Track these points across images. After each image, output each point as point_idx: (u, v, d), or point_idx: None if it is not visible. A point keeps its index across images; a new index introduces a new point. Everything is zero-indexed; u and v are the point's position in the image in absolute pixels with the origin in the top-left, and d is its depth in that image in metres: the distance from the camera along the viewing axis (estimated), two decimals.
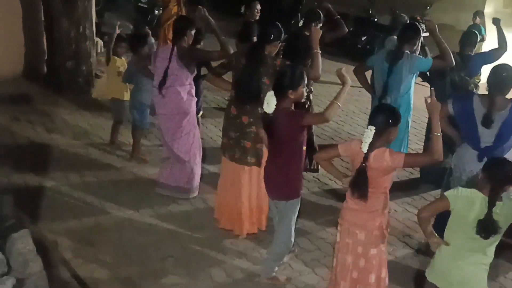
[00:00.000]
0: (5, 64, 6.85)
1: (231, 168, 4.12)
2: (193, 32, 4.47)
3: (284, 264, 3.85)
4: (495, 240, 2.83)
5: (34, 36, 7.20)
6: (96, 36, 7.61)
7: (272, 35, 3.90)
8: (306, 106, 4.80)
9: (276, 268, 3.69)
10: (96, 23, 7.61)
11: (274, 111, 3.22)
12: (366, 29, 11.44)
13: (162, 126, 4.61)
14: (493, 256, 2.89)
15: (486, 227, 2.71)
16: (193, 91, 4.56)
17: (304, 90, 3.37)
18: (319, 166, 4.89)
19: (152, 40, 6.09)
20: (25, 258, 3.01)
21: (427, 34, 4.86)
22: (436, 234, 2.94)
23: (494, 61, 4.73)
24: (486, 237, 2.74)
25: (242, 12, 6.67)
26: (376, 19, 11.82)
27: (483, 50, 7.99)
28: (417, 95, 4.79)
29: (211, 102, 7.20)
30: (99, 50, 8.16)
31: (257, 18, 6.53)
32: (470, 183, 3.35)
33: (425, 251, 3.99)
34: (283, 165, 3.38)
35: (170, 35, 6.60)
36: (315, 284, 3.78)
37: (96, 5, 7.70)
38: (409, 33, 4.65)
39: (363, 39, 11.34)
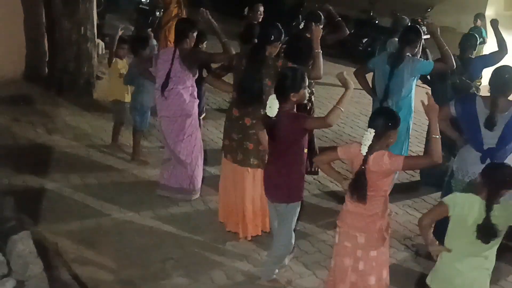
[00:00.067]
0: (6, 65, 6.85)
1: (232, 170, 4.11)
2: (195, 34, 4.47)
3: (284, 266, 3.85)
4: (495, 244, 2.83)
5: (35, 37, 7.20)
6: (97, 38, 7.61)
7: (273, 36, 3.90)
8: (308, 108, 4.80)
9: (277, 271, 3.69)
10: (97, 24, 7.61)
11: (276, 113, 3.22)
12: (367, 31, 11.43)
13: (164, 128, 4.60)
14: (494, 260, 2.89)
15: (485, 231, 2.72)
16: (196, 93, 4.56)
17: (306, 92, 3.37)
18: (318, 168, 4.89)
19: (154, 42, 6.09)
20: (25, 260, 3.01)
21: (428, 36, 4.87)
22: (437, 242, 2.94)
23: (495, 64, 4.71)
24: (486, 241, 2.74)
25: (245, 14, 6.67)
26: (377, 21, 11.82)
27: (484, 53, 7.99)
28: (418, 98, 4.78)
29: (212, 103, 7.20)
30: (100, 52, 8.17)
31: (260, 20, 6.53)
32: (468, 187, 3.35)
33: (425, 255, 3.98)
34: (284, 167, 3.38)
35: (171, 37, 6.63)
36: (315, 287, 3.77)
37: (98, 7, 7.70)
38: (410, 36, 4.65)
39: (364, 41, 11.33)
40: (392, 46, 5.81)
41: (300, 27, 5.75)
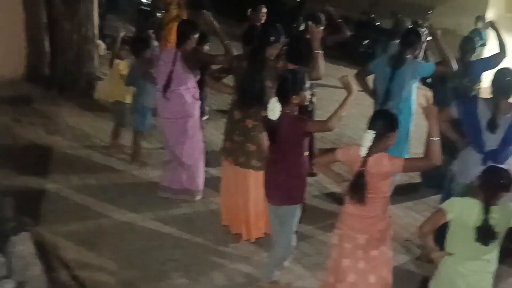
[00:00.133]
0: (7, 66, 6.86)
1: (233, 173, 4.10)
2: (196, 36, 4.46)
3: (285, 268, 3.84)
4: (496, 246, 2.83)
5: (36, 37, 7.20)
6: (98, 39, 7.61)
7: (272, 38, 3.90)
8: (309, 109, 4.80)
9: (277, 273, 3.68)
10: (98, 25, 7.61)
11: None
12: (367, 33, 11.45)
13: (165, 130, 4.59)
14: (496, 263, 2.88)
15: (484, 233, 2.72)
16: (197, 94, 4.55)
17: (306, 94, 3.37)
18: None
19: (155, 43, 6.09)
20: (25, 261, 3.02)
21: (429, 38, 4.87)
22: (438, 248, 2.94)
23: (495, 66, 4.72)
24: (485, 243, 2.74)
25: (248, 15, 6.66)
26: (377, 23, 11.83)
27: (484, 55, 7.99)
28: (418, 100, 4.78)
29: (213, 104, 7.20)
30: (101, 53, 8.17)
31: (263, 21, 6.52)
32: (467, 190, 3.35)
33: (427, 260, 3.97)
34: (285, 170, 3.37)
35: (172, 38, 6.62)
36: None
37: (98, 8, 7.70)
38: (411, 38, 4.65)
39: (364, 43, 11.35)
40: (393, 49, 5.81)
41: (301, 29, 5.74)
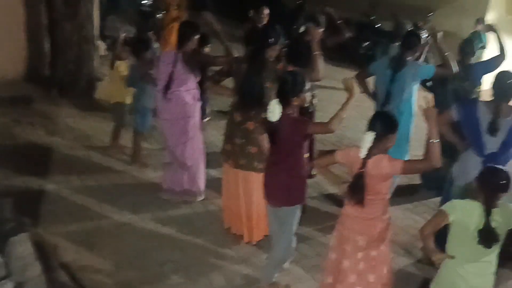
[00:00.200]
0: (7, 66, 6.86)
1: (234, 175, 4.10)
2: (197, 37, 4.46)
3: (284, 270, 3.83)
4: (497, 248, 2.83)
5: (36, 38, 7.21)
6: (98, 39, 7.62)
7: (271, 39, 3.90)
8: (310, 111, 4.80)
9: (276, 274, 3.67)
10: (98, 26, 7.61)
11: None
12: (368, 34, 11.45)
13: (166, 131, 4.58)
14: (496, 264, 2.88)
15: (486, 236, 2.72)
16: (198, 95, 4.55)
17: (307, 96, 3.37)
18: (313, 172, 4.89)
19: (156, 45, 6.09)
20: (24, 262, 3.01)
21: (430, 40, 4.88)
22: (438, 250, 2.93)
23: (495, 69, 4.72)
24: (488, 246, 2.74)
25: (250, 17, 6.66)
26: (378, 25, 11.83)
27: (484, 57, 7.99)
28: (418, 102, 4.78)
29: (213, 106, 7.18)
30: (101, 53, 8.17)
31: (265, 22, 6.52)
32: (465, 192, 3.35)
33: (428, 262, 3.97)
34: (285, 171, 3.36)
35: (172, 39, 6.62)
36: None
37: (99, 8, 7.70)
38: (411, 40, 4.65)
39: (364, 44, 11.35)
40: (394, 51, 5.81)
41: (301, 31, 5.74)
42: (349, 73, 4.85)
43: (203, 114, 5.01)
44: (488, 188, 2.77)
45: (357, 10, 12.52)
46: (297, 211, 3.48)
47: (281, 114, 3.20)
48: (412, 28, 6.92)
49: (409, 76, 4.52)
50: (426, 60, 5.30)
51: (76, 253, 3.86)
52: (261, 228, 4.16)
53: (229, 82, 4.22)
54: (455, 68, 4.56)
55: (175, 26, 5.48)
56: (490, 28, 5.06)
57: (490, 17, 10.59)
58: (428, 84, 5.14)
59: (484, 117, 3.64)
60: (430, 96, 3.17)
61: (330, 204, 5.03)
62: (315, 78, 3.89)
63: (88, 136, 5.96)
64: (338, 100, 3.26)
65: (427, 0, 12.23)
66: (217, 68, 4.49)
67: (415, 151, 4.95)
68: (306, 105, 3.62)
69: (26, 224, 3.79)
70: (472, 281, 2.86)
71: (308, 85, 3.37)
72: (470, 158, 3.74)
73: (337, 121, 3.22)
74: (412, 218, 4.95)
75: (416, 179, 5.66)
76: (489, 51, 8.48)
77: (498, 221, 2.75)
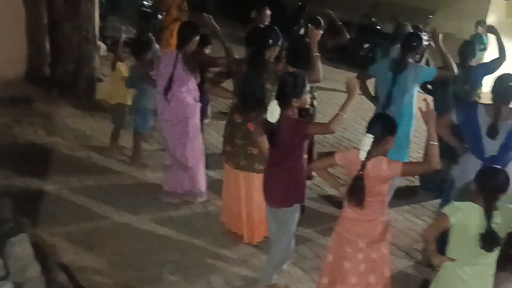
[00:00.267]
0: (7, 67, 6.85)
1: (234, 176, 4.09)
2: (197, 38, 4.46)
3: (283, 271, 3.83)
4: (497, 250, 2.83)
5: (36, 38, 7.20)
6: (99, 40, 7.61)
7: (271, 40, 3.90)
8: (310, 112, 4.80)
9: (276, 276, 3.67)
10: (99, 26, 7.61)
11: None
12: (368, 36, 11.47)
13: (166, 132, 4.58)
14: (495, 265, 2.88)
15: (488, 240, 2.71)
16: (198, 97, 4.55)
17: (307, 97, 3.37)
18: (312, 173, 4.89)
19: (157, 46, 6.09)
20: (23, 262, 3.01)
21: (431, 42, 4.88)
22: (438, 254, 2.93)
23: (495, 71, 4.73)
24: (490, 250, 2.74)
25: (253, 17, 6.67)
26: (378, 27, 11.85)
27: (485, 59, 7.99)
28: (418, 104, 4.78)
29: (213, 107, 7.18)
30: (102, 54, 8.17)
31: (267, 23, 6.52)
32: (465, 194, 3.35)
33: (428, 264, 3.97)
34: (284, 172, 3.36)
35: (173, 41, 6.62)
36: None
37: (99, 9, 7.70)
38: (412, 42, 4.65)
39: (365, 46, 11.37)
40: (395, 53, 5.81)
41: (301, 33, 5.74)
42: (350, 75, 4.85)
43: (203, 116, 5.00)
44: (486, 188, 2.76)
45: (358, 12, 12.54)
46: (296, 212, 3.48)
47: (281, 115, 3.20)
48: (412, 29, 6.93)
49: (410, 78, 4.52)
50: (426, 63, 5.30)
51: (76, 253, 3.86)
52: (262, 229, 4.15)
53: (228, 83, 4.22)
54: (456, 70, 4.56)
55: (176, 27, 5.47)
56: (491, 29, 5.06)
57: (490, 20, 10.61)
58: (428, 86, 5.15)
59: (484, 120, 3.63)
60: (429, 98, 3.17)
61: (329, 205, 5.03)
62: (314, 79, 3.89)
63: (88, 136, 5.96)
64: (338, 101, 3.26)
65: (427, 2, 12.26)
66: (217, 69, 4.49)
67: (414, 153, 4.95)
68: (306, 106, 3.61)
69: (25, 224, 3.79)
70: (472, 283, 2.86)
71: (308, 87, 3.36)
72: (470, 161, 3.74)
73: (337, 121, 3.21)
74: (411, 220, 4.95)
75: (415, 181, 5.67)
76: (490, 53, 8.49)
77: (499, 223, 2.74)
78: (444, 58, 4.55)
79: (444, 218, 2.83)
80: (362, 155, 2.92)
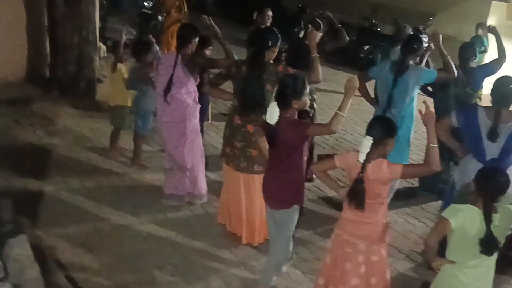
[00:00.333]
0: (8, 67, 6.86)
1: (234, 178, 4.09)
2: (197, 40, 4.46)
3: (282, 273, 3.83)
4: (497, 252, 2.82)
5: (37, 40, 7.21)
6: (99, 41, 7.62)
7: (270, 41, 3.89)
8: (310, 114, 4.79)
9: (275, 278, 3.67)
10: (99, 27, 7.62)
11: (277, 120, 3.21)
12: (368, 38, 11.48)
13: (165, 134, 4.57)
14: (494, 267, 2.88)
15: (488, 244, 2.71)
16: (197, 98, 4.54)
17: (307, 98, 3.36)
18: (313, 176, 4.88)
19: (157, 48, 6.09)
20: (22, 264, 3.00)
21: (431, 43, 4.88)
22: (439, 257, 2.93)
23: (495, 72, 4.73)
24: (490, 254, 2.73)
25: (254, 19, 6.67)
26: (379, 29, 11.86)
27: (485, 61, 7.99)
28: (418, 106, 4.78)
29: (212, 108, 7.19)
30: (102, 55, 8.18)
31: (269, 24, 6.52)
32: (464, 196, 3.34)
33: (428, 266, 3.96)
34: (284, 174, 3.35)
35: (173, 42, 6.63)
36: None
37: (100, 10, 7.71)
38: (412, 44, 4.64)
39: (365, 48, 11.37)
40: (395, 55, 5.81)
41: (301, 35, 5.74)
42: (348, 76, 4.85)
43: (203, 117, 5.00)
44: (486, 188, 2.76)
45: (358, 14, 12.56)
46: (295, 214, 3.47)
47: (280, 116, 3.20)
48: (413, 31, 6.93)
49: (411, 80, 4.51)
50: (427, 65, 5.30)
51: (75, 255, 3.85)
52: (264, 231, 4.15)
53: (228, 85, 4.22)
54: (455, 71, 4.56)
55: (176, 28, 5.47)
56: (492, 29, 5.06)
57: (491, 22, 10.61)
58: (429, 88, 5.14)
59: (484, 123, 3.63)
60: (430, 100, 3.17)
61: (329, 207, 5.02)
62: (314, 80, 3.89)
63: (87, 137, 5.96)
64: (338, 104, 3.25)
65: (428, 4, 12.27)
66: (216, 71, 4.48)
67: (414, 155, 4.95)
68: (306, 108, 3.60)
69: (25, 225, 3.78)
70: (472, 285, 2.85)
71: (308, 88, 3.36)
72: (471, 164, 3.73)
73: (337, 121, 3.19)
74: (411, 222, 4.95)
75: (415, 183, 5.66)
76: (490, 56, 8.49)
77: (499, 226, 2.74)
78: (445, 60, 4.55)
79: (444, 222, 2.82)
80: (362, 158, 2.92)
